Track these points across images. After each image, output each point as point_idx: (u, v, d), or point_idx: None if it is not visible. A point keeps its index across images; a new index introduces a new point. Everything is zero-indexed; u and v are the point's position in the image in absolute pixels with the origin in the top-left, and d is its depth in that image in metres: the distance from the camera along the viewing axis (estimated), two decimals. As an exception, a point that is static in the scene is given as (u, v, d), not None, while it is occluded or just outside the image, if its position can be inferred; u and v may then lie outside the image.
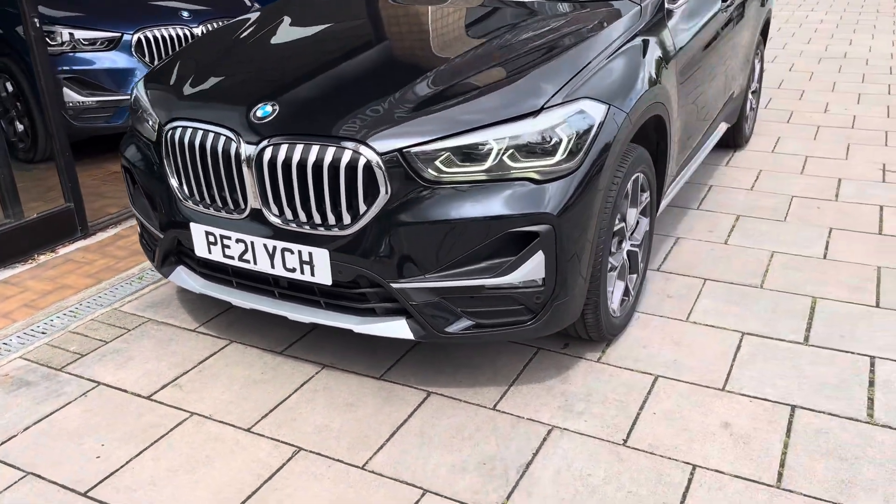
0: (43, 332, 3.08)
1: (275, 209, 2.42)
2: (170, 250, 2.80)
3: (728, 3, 3.81)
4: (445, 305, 2.37)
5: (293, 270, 2.44)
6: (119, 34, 5.03)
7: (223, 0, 5.74)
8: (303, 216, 2.38)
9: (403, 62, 2.67)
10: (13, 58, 4.89)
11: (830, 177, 4.58)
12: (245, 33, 3.17)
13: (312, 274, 2.41)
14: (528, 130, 2.29)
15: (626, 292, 2.93)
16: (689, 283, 3.33)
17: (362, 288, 2.42)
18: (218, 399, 2.63)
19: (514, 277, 2.31)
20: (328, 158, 2.28)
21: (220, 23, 5.42)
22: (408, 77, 2.50)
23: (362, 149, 2.26)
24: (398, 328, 2.42)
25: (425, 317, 2.38)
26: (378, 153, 2.25)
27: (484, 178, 2.28)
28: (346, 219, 2.33)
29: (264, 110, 2.42)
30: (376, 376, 2.73)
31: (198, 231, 2.58)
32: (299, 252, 2.39)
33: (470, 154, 2.27)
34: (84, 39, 5.00)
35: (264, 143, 2.36)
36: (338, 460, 2.32)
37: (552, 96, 2.35)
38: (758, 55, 5.05)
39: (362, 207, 2.30)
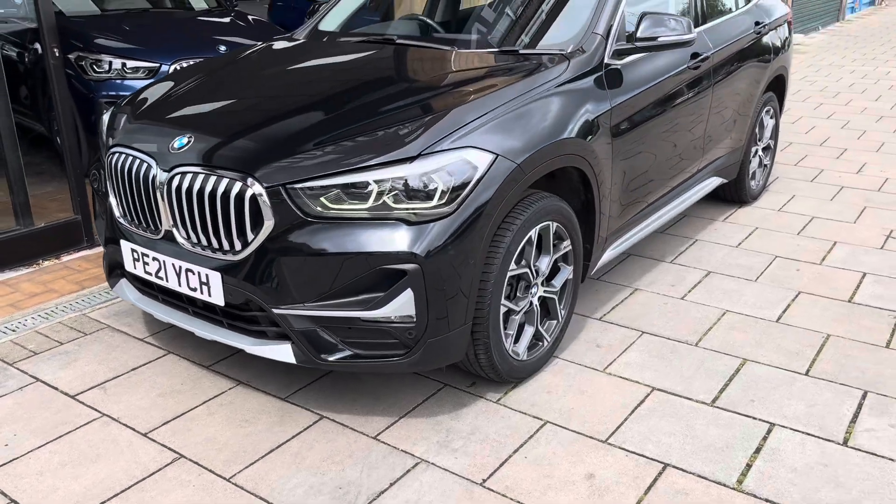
0: (13, 330, 3.40)
1: (182, 232, 2.63)
2: (113, 264, 3.07)
3: (702, 58, 3.80)
4: (324, 333, 2.50)
5: (195, 290, 2.64)
6: (158, 64, 5.47)
7: (266, 34, 6.13)
8: (203, 240, 2.58)
9: (305, 104, 2.85)
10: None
11: (827, 239, 4.43)
12: (196, 73, 3.44)
13: (209, 294, 2.60)
14: (407, 174, 2.41)
15: (540, 337, 2.98)
16: (624, 335, 3.33)
17: (253, 311, 2.59)
18: (133, 404, 2.84)
19: (384, 312, 2.42)
20: (221, 188, 2.48)
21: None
22: (306, 118, 2.70)
23: (250, 181, 2.44)
24: (283, 352, 2.57)
25: (306, 343, 2.52)
26: (264, 186, 2.43)
27: (367, 216, 2.42)
28: (237, 245, 2.51)
29: (181, 142, 2.65)
30: (281, 397, 2.88)
31: (126, 247, 2.83)
32: (199, 273, 2.59)
33: (353, 193, 2.41)
34: (129, 68, 5.47)
35: (175, 170, 2.59)
36: (209, 470, 2.48)
37: (435, 142, 2.46)
38: (768, 111, 4.96)
39: (250, 235, 2.48)
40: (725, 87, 4.13)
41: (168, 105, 3.04)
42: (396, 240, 2.38)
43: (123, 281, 3.08)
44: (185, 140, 2.65)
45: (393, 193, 2.40)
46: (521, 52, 3.16)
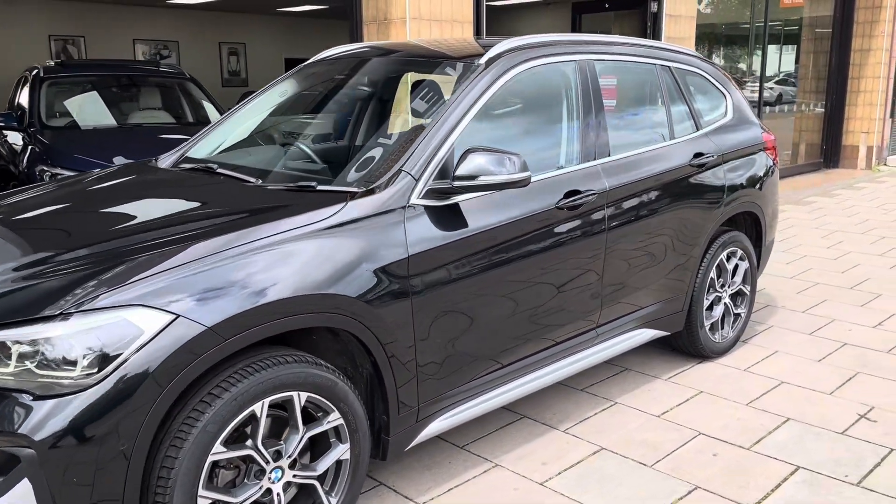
0: None
1: None
2: None
3: (584, 197, 3.24)
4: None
5: None
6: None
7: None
8: None
9: (46, 239, 2.57)
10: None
11: (779, 415, 3.62)
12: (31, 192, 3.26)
13: None
14: (51, 335, 2.04)
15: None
16: (434, 530, 2.72)
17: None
18: None
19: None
20: None
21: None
22: (25, 256, 2.39)
23: None
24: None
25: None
26: None
27: (12, 383, 2.05)
28: None
29: None
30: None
31: None
32: None
33: (-5, 355, 2.06)
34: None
35: None
36: None
37: (93, 298, 2.08)
38: (734, 254, 4.25)
39: None
40: (635, 230, 3.52)
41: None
42: (14, 417, 1.98)
43: None
44: None
45: (36, 358, 2.03)
46: (318, 188, 2.76)
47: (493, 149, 2.75)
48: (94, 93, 7.45)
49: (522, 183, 2.78)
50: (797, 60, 12.85)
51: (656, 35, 7.68)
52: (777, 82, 13.22)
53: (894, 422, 3.53)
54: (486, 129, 3.07)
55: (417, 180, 2.73)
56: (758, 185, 4.31)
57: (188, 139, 3.69)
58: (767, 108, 12.54)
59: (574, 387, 3.91)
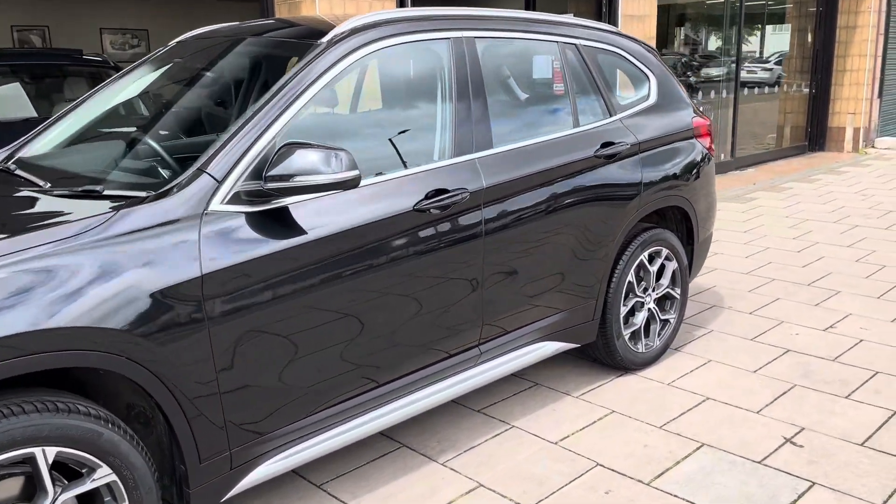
0: None
1: None
2: None
3: (452, 196, 2.80)
4: None
5: None
6: None
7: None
8: None
9: None
10: None
11: (695, 440, 3.18)
12: None
13: None
14: None
15: None
16: None
17: None
18: None
19: None
20: None
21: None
22: None
23: None
24: None
25: None
26: None
27: None
28: None
29: None
30: None
31: None
32: None
33: None
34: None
35: None
36: None
37: None
38: (658, 254, 3.80)
39: None
40: (524, 233, 3.07)
41: None
42: None
43: None
44: None
45: None
46: (105, 193, 2.32)
47: (314, 144, 2.31)
48: (17, 84, 7.03)
49: (350, 184, 2.34)
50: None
51: (612, 13, 7.18)
52: (777, 63, 12.66)
53: (822, 447, 3.09)
54: (329, 122, 2.64)
55: (221, 182, 2.29)
56: (686, 177, 3.85)
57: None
58: (756, 90, 12.03)
59: (471, 407, 3.48)
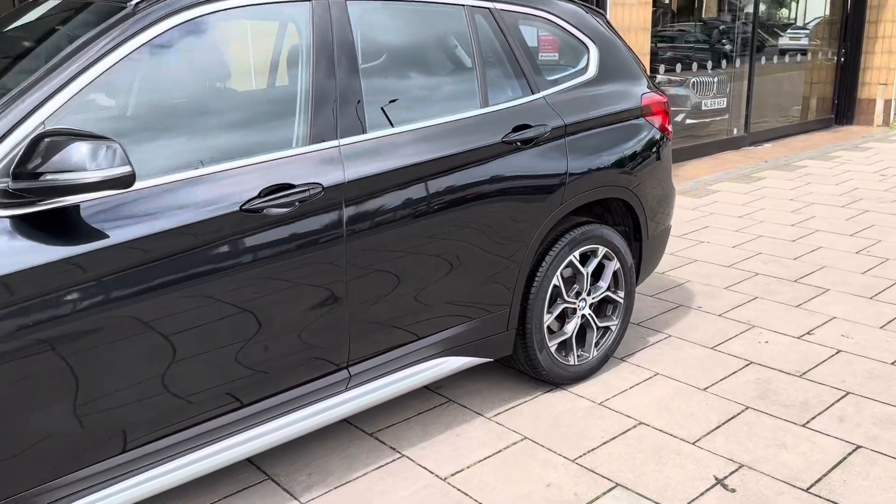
0: None
1: None
2: None
3: (302, 193, 2.33)
4: None
5: None
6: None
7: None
8: None
9: None
10: None
11: (609, 479, 2.70)
12: None
13: None
14: None
15: None
16: None
17: None
18: None
19: None
20: None
21: None
22: None
23: None
24: None
25: None
26: None
27: None
28: None
29: None
30: None
31: None
32: None
33: None
34: None
35: None
36: None
37: None
38: (594, 253, 3.29)
39: None
40: (403, 234, 2.59)
41: None
42: None
43: None
44: None
45: None
46: None
47: (78, 133, 1.86)
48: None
49: (121, 183, 1.89)
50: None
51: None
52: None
53: (759, 493, 2.59)
54: (134, 107, 2.18)
55: (-34, 182, 1.85)
56: (629, 164, 3.32)
57: None
58: (778, 59, 11.19)
59: (365, 430, 3.04)
